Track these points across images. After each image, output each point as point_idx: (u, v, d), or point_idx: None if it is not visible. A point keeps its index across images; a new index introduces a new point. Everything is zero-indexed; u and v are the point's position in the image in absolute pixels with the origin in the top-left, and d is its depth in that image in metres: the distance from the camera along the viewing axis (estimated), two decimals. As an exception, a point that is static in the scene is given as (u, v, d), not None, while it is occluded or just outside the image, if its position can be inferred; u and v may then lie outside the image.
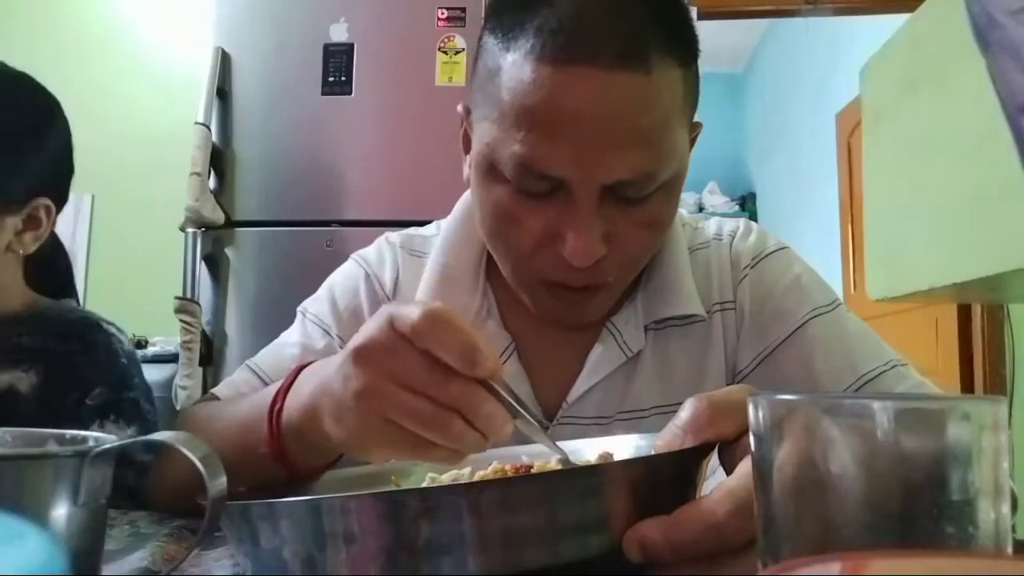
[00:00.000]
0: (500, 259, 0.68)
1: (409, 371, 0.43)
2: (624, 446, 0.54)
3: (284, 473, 0.55)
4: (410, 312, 0.43)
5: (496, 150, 0.61)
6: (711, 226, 0.78)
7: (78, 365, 0.87)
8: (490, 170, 0.63)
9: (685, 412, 0.41)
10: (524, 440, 0.51)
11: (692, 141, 0.70)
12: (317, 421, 0.49)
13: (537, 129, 0.58)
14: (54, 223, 0.91)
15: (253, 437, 0.55)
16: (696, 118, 0.69)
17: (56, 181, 0.91)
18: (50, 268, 0.99)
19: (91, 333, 0.90)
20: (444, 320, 0.43)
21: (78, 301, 1.02)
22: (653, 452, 0.44)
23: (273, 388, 0.57)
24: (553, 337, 0.72)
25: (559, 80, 0.57)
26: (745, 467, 0.37)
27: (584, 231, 0.59)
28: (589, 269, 0.61)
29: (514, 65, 0.59)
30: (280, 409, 0.54)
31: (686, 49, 0.62)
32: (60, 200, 0.92)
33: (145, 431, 0.87)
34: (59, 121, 0.92)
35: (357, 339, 0.45)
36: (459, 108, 0.70)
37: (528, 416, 0.45)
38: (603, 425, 0.70)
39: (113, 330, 0.93)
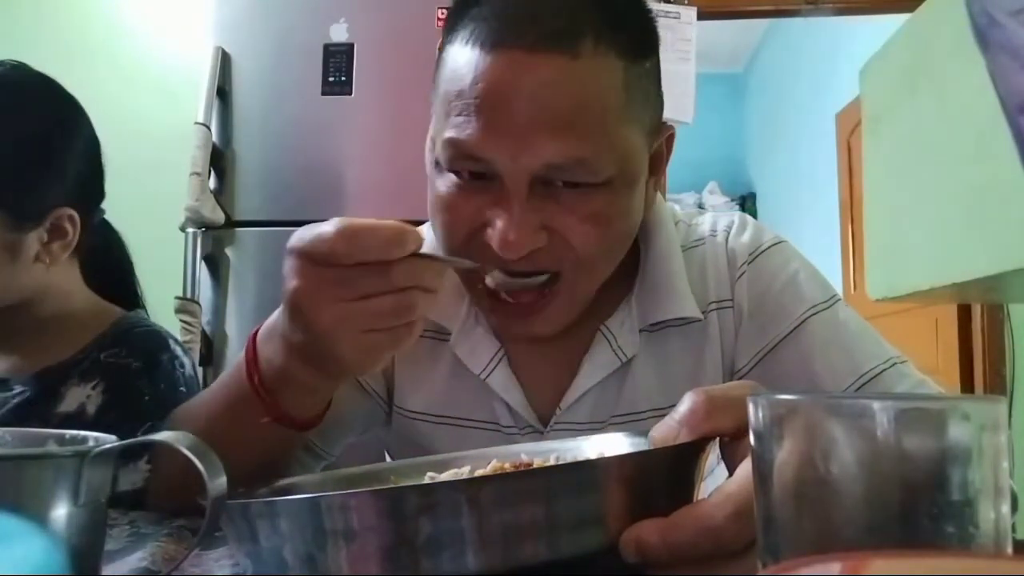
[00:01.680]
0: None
1: (355, 286, 0.49)
2: (622, 443, 0.54)
3: (283, 431, 0.58)
4: (322, 236, 0.48)
5: (436, 141, 0.62)
6: (705, 222, 0.77)
7: (139, 389, 0.86)
8: (435, 164, 0.64)
9: (682, 406, 0.41)
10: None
11: (668, 145, 0.70)
12: (296, 362, 0.55)
13: (465, 112, 0.58)
14: (91, 227, 0.91)
15: (243, 412, 0.58)
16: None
17: (81, 188, 0.90)
18: (112, 275, 0.99)
19: (157, 352, 0.90)
20: (356, 228, 0.48)
21: (145, 310, 1.01)
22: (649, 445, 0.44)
23: (238, 367, 0.60)
24: (544, 343, 0.70)
25: (485, 62, 0.58)
26: (745, 469, 0.37)
27: (512, 220, 0.58)
28: (528, 259, 0.60)
29: (451, 55, 0.61)
30: (260, 377, 0.57)
31: (633, 41, 0.61)
32: (90, 204, 0.91)
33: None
34: (76, 127, 0.90)
35: (288, 287, 0.50)
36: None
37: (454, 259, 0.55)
38: (598, 430, 0.69)
39: (179, 351, 0.93)
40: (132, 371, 0.87)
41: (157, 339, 0.92)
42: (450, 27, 0.63)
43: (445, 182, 0.62)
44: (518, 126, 0.57)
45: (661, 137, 0.68)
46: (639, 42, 0.62)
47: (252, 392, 0.57)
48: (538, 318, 0.64)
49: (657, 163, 0.68)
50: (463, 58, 0.59)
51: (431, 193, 0.65)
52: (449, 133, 0.59)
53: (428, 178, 0.65)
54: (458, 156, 0.60)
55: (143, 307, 1.01)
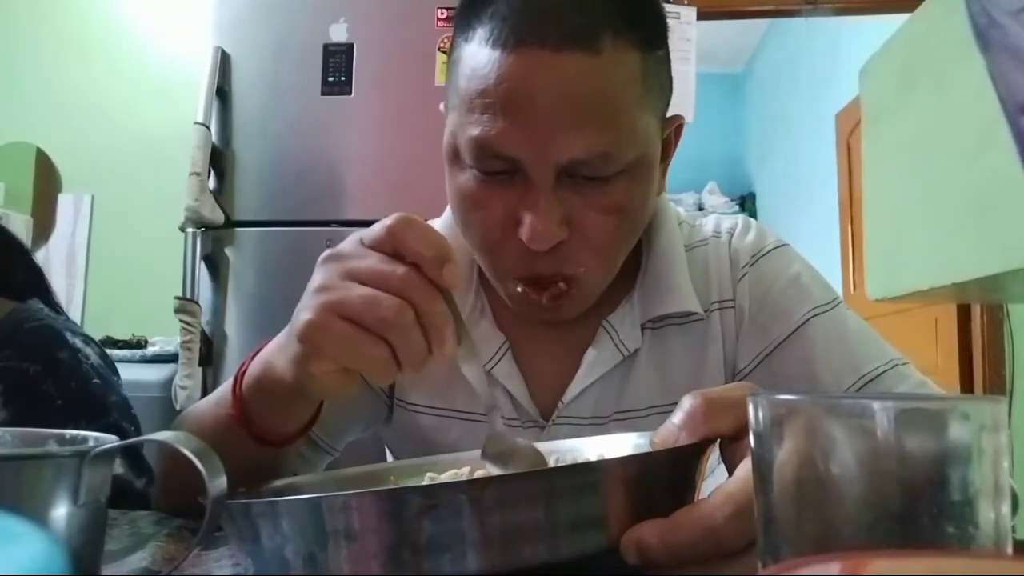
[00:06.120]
0: (474, 250, 0.68)
1: (370, 267, 0.45)
2: (622, 445, 0.54)
3: (251, 440, 0.57)
4: (381, 222, 0.46)
5: (457, 137, 0.62)
6: (709, 223, 0.78)
7: (46, 394, 0.80)
8: (454, 158, 0.64)
9: (681, 409, 0.41)
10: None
11: (676, 135, 0.71)
12: (272, 369, 0.52)
13: (490, 111, 0.59)
14: None
15: (223, 409, 0.58)
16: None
17: None
18: (3, 270, 0.93)
19: (53, 350, 0.83)
20: (417, 222, 0.46)
21: (48, 299, 0.95)
22: (649, 449, 0.44)
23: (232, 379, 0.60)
24: (548, 337, 0.72)
25: (509, 63, 0.58)
26: (744, 470, 0.37)
27: (540, 212, 0.59)
28: (553, 256, 0.61)
29: (470, 53, 0.61)
30: (244, 372, 0.57)
31: (647, 32, 0.62)
32: None
33: (130, 455, 0.83)
34: None
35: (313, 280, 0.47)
36: (441, 107, 0.70)
37: (471, 340, 0.47)
38: (600, 425, 0.69)
39: (79, 343, 0.86)
40: (32, 376, 0.81)
41: (51, 335, 0.85)
42: (464, 24, 0.63)
43: (468, 178, 0.63)
44: (544, 123, 0.58)
45: (671, 126, 0.69)
46: (653, 32, 0.63)
47: (231, 384, 0.58)
48: (562, 302, 0.66)
49: (666, 150, 0.70)
50: (484, 57, 0.60)
51: (453, 188, 0.65)
52: (474, 132, 0.60)
53: (447, 170, 0.66)
54: (484, 155, 0.60)
55: (45, 292, 0.93)
